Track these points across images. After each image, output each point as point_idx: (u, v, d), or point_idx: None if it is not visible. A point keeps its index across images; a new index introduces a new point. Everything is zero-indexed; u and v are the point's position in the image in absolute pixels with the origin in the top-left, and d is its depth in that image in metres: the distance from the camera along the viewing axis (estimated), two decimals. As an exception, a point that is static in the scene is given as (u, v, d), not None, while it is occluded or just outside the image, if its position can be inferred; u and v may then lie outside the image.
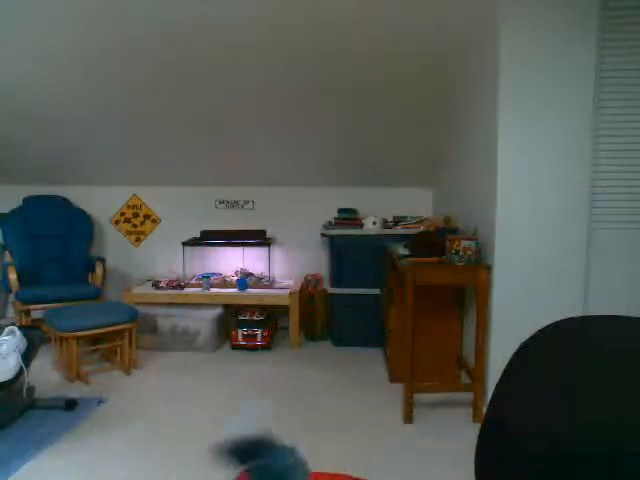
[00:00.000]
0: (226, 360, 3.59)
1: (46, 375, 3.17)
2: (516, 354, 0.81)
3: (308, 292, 4.08)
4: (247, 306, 3.96)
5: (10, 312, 4.30)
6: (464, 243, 2.50)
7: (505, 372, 0.82)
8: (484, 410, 2.43)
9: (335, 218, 4.03)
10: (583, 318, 0.82)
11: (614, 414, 0.64)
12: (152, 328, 3.79)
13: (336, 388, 3.04)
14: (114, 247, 4.48)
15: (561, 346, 0.76)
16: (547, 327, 0.80)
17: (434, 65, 3.04)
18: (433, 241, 2.70)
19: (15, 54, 3.06)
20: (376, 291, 3.69)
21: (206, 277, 4.00)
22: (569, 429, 0.67)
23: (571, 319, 0.82)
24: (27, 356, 2.60)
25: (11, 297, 4.01)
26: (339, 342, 3.85)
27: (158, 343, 3.77)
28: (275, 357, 3.64)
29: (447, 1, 2.60)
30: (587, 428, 0.65)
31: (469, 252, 2.48)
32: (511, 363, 0.78)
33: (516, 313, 2.48)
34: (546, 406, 0.70)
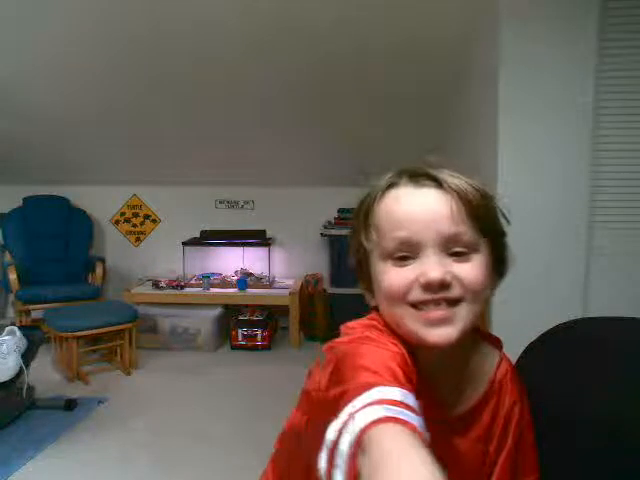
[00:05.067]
0: (226, 360, 3.59)
1: (46, 375, 3.16)
2: (523, 354, 0.81)
3: (308, 292, 4.08)
4: (247, 306, 3.96)
5: (10, 312, 4.30)
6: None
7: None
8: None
9: (335, 218, 4.03)
10: (593, 319, 0.82)
11: (623, 415, 0.64)
12: (152, 328, 3.78)
13: (336, 388, 3.04)
14: (114, 247, 4.48)
15: (571, 347, 0.76)
16: (556, 327, 0.80)
17: (433, 66, 3.04)
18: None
19: (15, 54, 3.06)
20: (376, 291, 3.68)
21: (206, 277, 4.00)
22: (577, 429, 0.67)
23: (582, 320, 0.82)
24: (27, 356, 2.60)
25: (11, 297, 4.01)
26: (339, 342, 3.85)
27: (158, 343, 3.77)
28: (275, 357, 3.64)
29: (447, 1, 2.59)
30: (597, 429, 0.65)
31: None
32: (517, 363, 0.78)
33: (515, 313, 2.47)
34: (551, 406, 0.70)
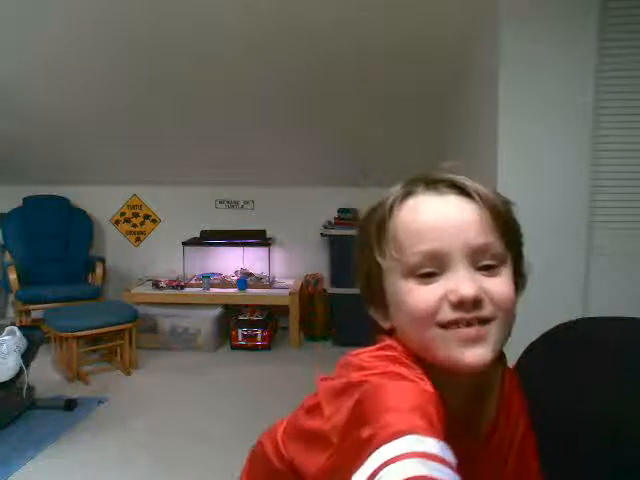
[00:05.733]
0: (226, 360, 3.59)
1: (46, 375, 3.17)
2: (524, 355, 0.81)
3: (308, 292, 4.08)
4: (247, 306, 3.96)
5: (10, 312, 4.30)
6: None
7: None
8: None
9: (335, 218, 4.03)
10: (594, 319, 0.81)
11: (623, 416, 0.64)
12: (152, 328, 3.78)
13: (336, 388, 3.04)
14: (114, 247, 4.48)
15: (572, 347, 0.76)
16: (556, 328, 0.80)
17: (433, 66, 3.03)
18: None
19: (15, 54, 3.06)
20: (376, 291, 3.68)
21: (206, 277, 4.00)
22: (577, 430, 0.67)
23: (582, 320, 0.82)
24: (27, 356, 2.60)
25: (11, 297, 4.01)
26: (339, 342, 3.85)
27: (158, 343, 3.77)
28: (275, 357, 3.64)
29: (447, 1, 2.59)
30: (597, 430, 0.65)
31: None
32: (517, 364, 0.78)
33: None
34: (552, 407, 0.71)
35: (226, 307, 3.97)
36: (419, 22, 2.73)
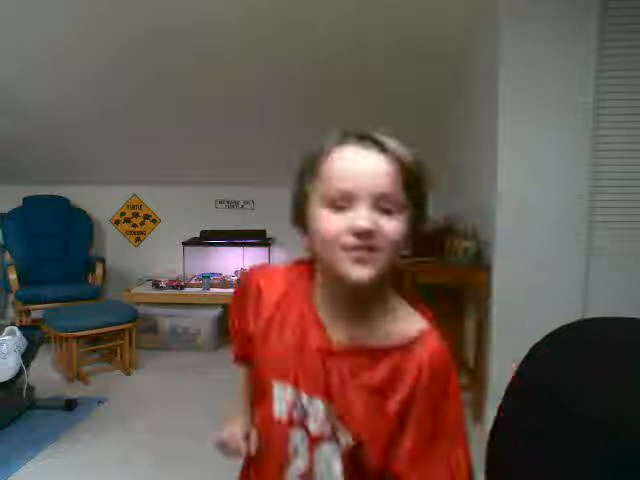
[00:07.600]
0: (226, 360, 3.57)
1: (46, 375, 3.16)
2: (529, 355, 0.81)
3: (308, 292, 4.07)
4: (247, 306, 3.96)
5: (10, 312, 4.30)
6: (464, 243, 2.49)
7: (518, 373, 0.82)
8: (484, 410, 2.43)
9: (335, 218, 4.03)
10: (597, 320, 0.82)
11: (624, 415, 0.64)
12: (152, 328, 3.78)
13: (336, 388, 3.04)
14: (114, 247, 4.48)
15: (576, 348, 0.76)
16: (560, 329, 0.80)
17: (433, 66, 3.04)
18: (433, 240, 2.70)
19: (15, 54, 3.06)
20: (376, 291, 3.68)
21: (206, 277, 4.00)
22: (579, 429, 0.67)
23: (586, 320, 0.82)
24: (27, 356, 2.60)
25: (11, 297, 4.01)
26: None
27: (158, 343, 3.77)
28: (275, 357, 3.64)
29: (447, 1, 2.59)
30: (598, 429, 0.65)
31: (469, 252, 2.48)
32: (522, 363, 0.78)
33: (516, 313, 2.48)
34: (556, 406, 0.70)
35: (226, 307, 3.97)
36: (419, 22, 2.73)
